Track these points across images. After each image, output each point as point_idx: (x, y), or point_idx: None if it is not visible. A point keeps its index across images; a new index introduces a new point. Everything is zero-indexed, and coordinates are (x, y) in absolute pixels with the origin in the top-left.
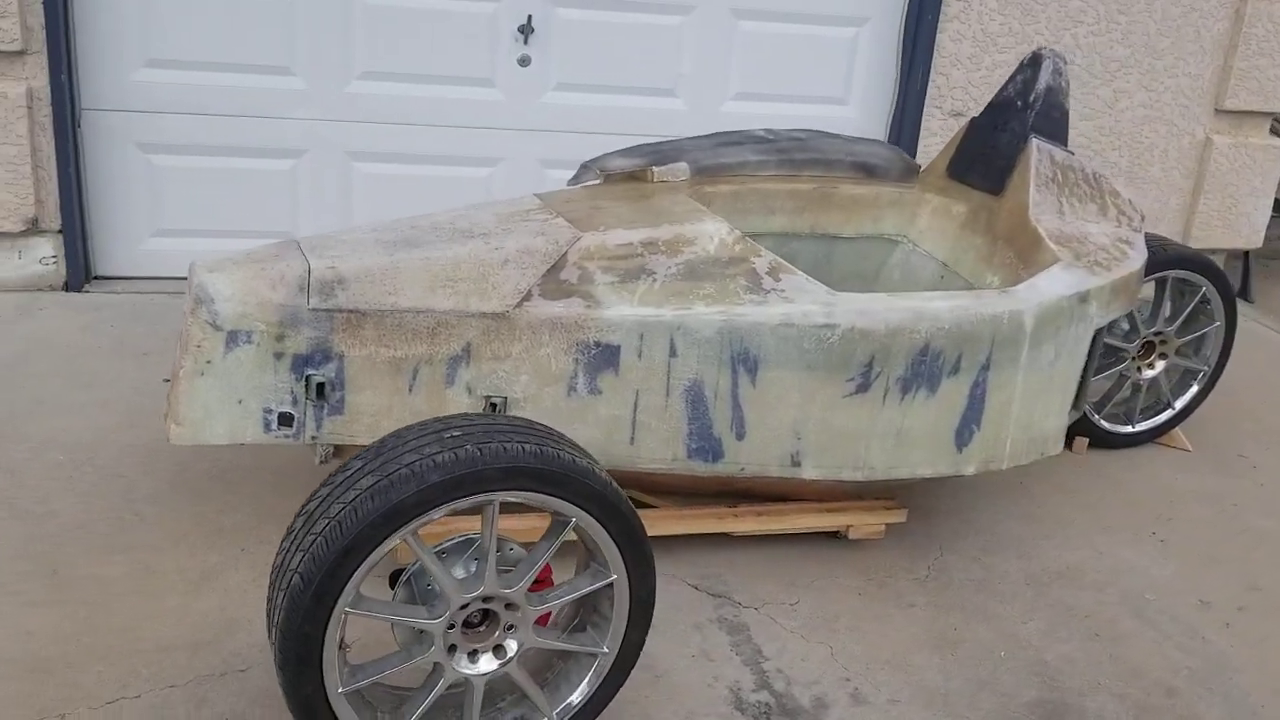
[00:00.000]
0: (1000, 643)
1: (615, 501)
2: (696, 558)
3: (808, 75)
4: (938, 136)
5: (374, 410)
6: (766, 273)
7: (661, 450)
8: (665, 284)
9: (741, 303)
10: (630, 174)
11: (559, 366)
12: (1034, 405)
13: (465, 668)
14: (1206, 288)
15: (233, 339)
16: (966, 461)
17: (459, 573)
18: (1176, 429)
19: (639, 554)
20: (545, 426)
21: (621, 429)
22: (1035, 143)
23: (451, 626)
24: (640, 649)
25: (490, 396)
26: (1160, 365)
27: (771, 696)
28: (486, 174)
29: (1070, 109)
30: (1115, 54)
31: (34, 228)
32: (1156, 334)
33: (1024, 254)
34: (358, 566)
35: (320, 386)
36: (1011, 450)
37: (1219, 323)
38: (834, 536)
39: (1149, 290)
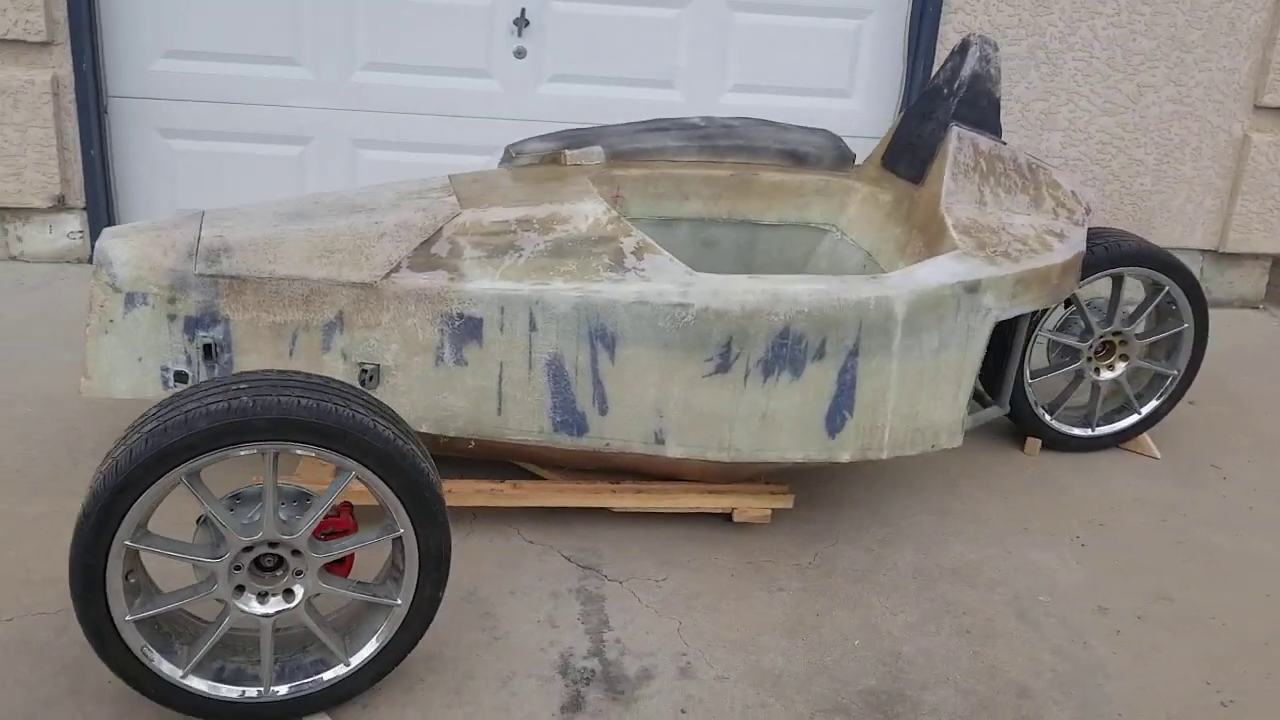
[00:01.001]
0: (859, 632)
1: (397, 458)
2: (582, 531)
3: (809, 68)
4: None
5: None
6: (631, 252)
7: (528, 422)
8: (530, 260)
9: (599, 280)
10: (553, 158)
11: (425, 336)
12: (917, 395)
13: (251, 607)
14: (1170, 287)
15: (130, 300)
16: (840, 448)
17: (256, 517)
18: (1145, 435)
19: (424, 511)
20: (345, 385)
21: (489, 400)
22: (956, 131)
23: (239, 568)
24: (436, 604)
25: (364, 363)
26: (1121, 367)
27: (600, 664)
28: (487, 162)
29: (1002, 96)
30: (1139, 46)
31: (61, 204)
32: (1115, 334)
33: (931, 244)
34: (132, 503)
35: (208, 348)
36: (892, 439)
37: (1186, 325)
38: (728, 520)
39: (1104, 287)
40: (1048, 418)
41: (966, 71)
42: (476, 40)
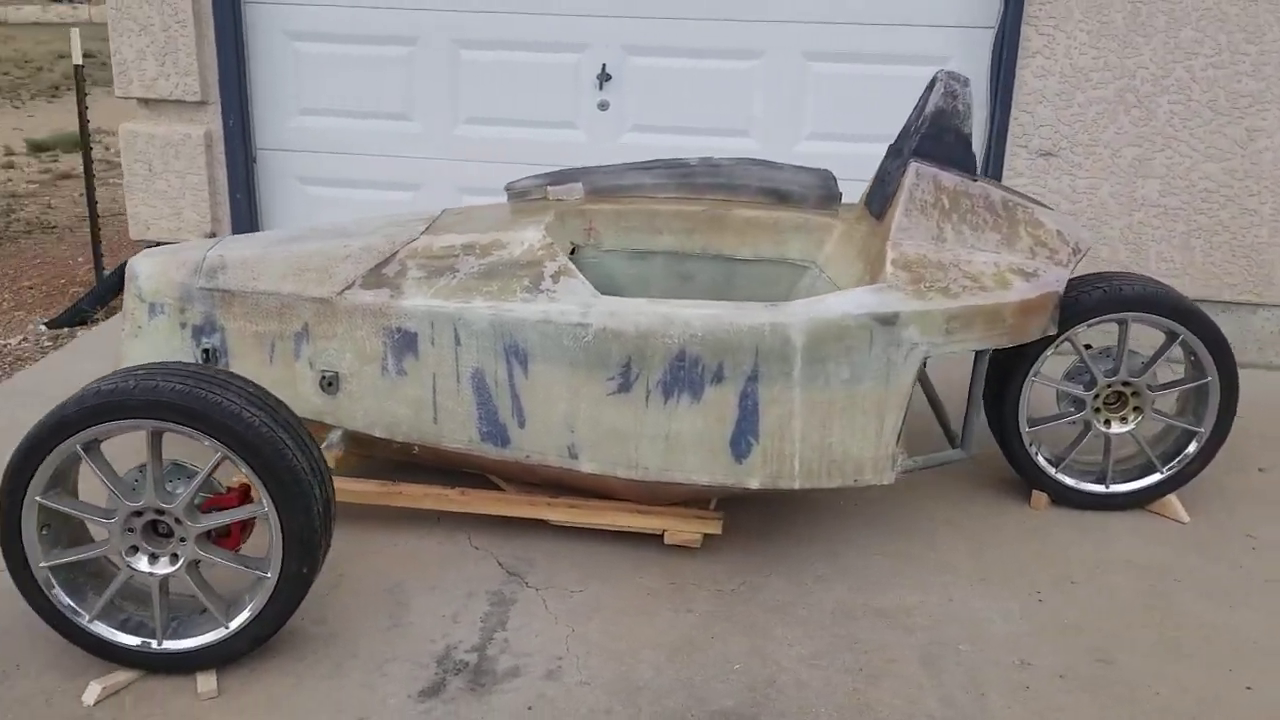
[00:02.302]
0: (745, 657)
1: (258, 443)
2: (525, 541)
3: (887, 115)
4: (1024, 177)
5: (250, 376)
6: (550, 275)
7: (460, 432)
8: (461, 280)
9: (514, 300)
10: (542, 194)
11: (372, 348)
12: (829, 425)
13: (140, 565)
14: (1185, 336)
15: (153, 309)
16: (749, 474)
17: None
18: (1172, 497)
19: (284, 494)
20: (236, 379)
21: (425, 409)
22: (914, 166)
23: (131, 530)
24: (303, 581)
25: (324, 371)
26: (1135, 421)
27: (478, 658)
28: None
29: (971, 132)
30: (1245, 88)
31: None
32: (1125, 384)
33: (876, 278)
34: (39, 465)
35: (207, 352)
36: (804, 469)
37: (1210, 378)
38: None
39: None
40: (1051, 470)
41: (930, 108)
42: (564, 94)
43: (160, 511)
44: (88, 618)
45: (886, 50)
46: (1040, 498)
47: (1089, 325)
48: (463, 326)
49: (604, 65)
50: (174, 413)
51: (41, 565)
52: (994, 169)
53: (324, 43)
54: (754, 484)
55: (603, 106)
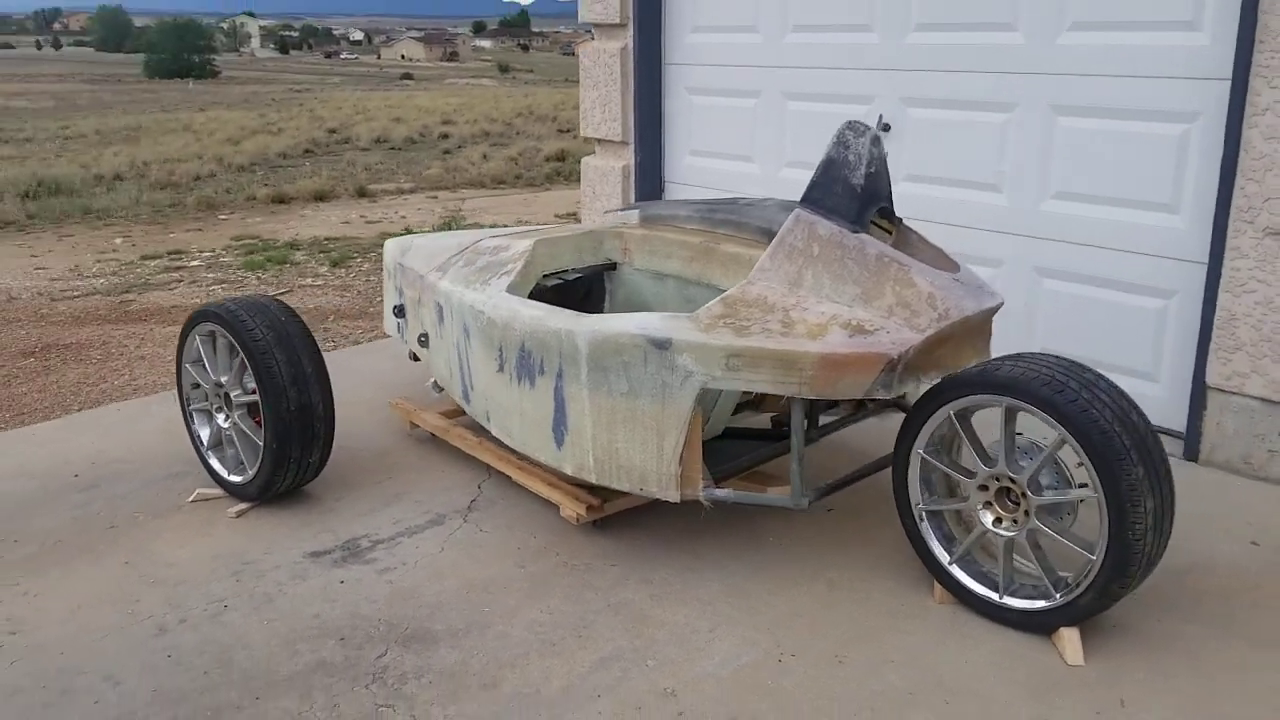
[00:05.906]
0: (503, 610)
1: (253, 349)
2: (509, 488)
3: (1131, 177)
4: (1249, 260)
5: (416, 328)
6: (500, 274)
7: (456, 389)
8: (469, 272)
9: (469, 288)
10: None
11: (432, 316)
12: (614, 431)
13: (220, 420)
14: (1064, 436)
15: (389, 275)
16: (564, 460)
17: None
18: (1069, 632)
19: (263, 388)
20: (278, 309)
21: (449, 368)
22: (796, 213)
23: (216, 396)
24: (280, 454)
25: (421, 331)
26: (1025, 526)
27: (367, 546)
28: None
29: (864, 183)
30: None
31: None
32: (1012, 480)
33: None
34: (184, 344)
35: (398, 309)
36: (597, 468)
37: (1096, 495)
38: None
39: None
40: (944, 559)
41: (823, 156)
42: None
43: (227, 390)
44: (206, 448)
45: (1128, 105)
46: (938, 589)
47: (958, 406)
48: (452, 304)
49: (880, 116)
50: (219, 322)
51: (189, 407)
52: (1215, 246)
53: (707, 96)
54: (568, 470)
55: None
